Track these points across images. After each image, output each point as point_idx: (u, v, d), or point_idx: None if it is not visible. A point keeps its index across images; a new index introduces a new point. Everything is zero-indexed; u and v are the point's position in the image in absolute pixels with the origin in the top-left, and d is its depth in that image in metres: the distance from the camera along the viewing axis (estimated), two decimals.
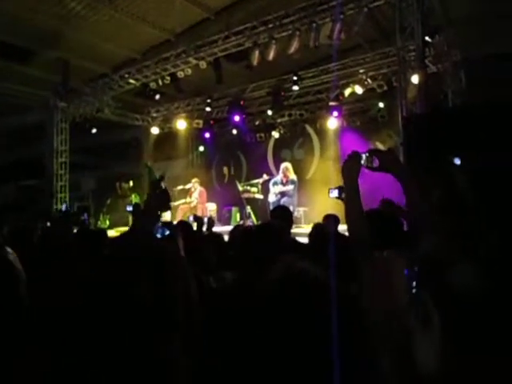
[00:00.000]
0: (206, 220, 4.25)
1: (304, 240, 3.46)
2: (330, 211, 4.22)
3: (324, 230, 2.71)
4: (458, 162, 2.14)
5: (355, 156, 1.43)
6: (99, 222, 10.18)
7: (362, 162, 1.42)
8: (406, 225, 1.90)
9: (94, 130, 10.50)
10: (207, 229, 3.98)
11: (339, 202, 2.07)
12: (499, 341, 0.77)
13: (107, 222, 10.03)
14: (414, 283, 0.78)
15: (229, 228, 8.11)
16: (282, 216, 2.77)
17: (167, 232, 1.86)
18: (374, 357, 0.72)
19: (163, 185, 2.09)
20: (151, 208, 1.93)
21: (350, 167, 1.41)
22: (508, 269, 1.02)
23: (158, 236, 1.82)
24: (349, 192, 1.40)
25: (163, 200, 1.99)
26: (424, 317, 0.75)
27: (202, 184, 10.21)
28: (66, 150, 10.31)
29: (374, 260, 1.11)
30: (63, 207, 9.60)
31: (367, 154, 1.43)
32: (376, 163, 1.40)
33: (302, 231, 6.33)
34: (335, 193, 2.10)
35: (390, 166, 1.37)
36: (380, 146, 9.07)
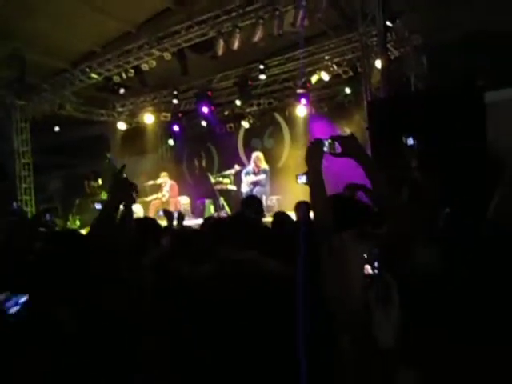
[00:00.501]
0: (175, 214, 4.20)
1: None
2: (303, 198, 4.26)
3: (283, 218, 2.74)
4: (410, 142, 2.21)
5: (318, 142, 1.44)
6: (68, 223, 9.89)
7: (325, 148, 1.44)
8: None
9: (56, 128, 10.13)
10: (178, 223, 3.93)
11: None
12: (454, 316, 0.80)
13: (77, 223, 9.76)
14: (375, 264, 0.81)
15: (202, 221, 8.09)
16: (252, 205, 2.78)
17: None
18: (334, 335, 0.75)
19: (125, 175, 1.94)
20: (114, 200, 1.87)
21: (313, 153, 1.43)
22: (459, 250, 1.07)
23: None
24: (313, 178, 1.42)
25: (126, 190, 1.91)
26: (384, 296, 0.77)
27: (173, 178, 10.09)
28: (28, 150, 9.91)
29: (334, 247, 1.13)
30: (14, 205, 9.05)
31: (330, 141, 1.45)
32: (338, 149, 1.42)
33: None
34: (303, 179, 2.11)
35: (352, 151, 1.39)
36: (348, 131, 9.22)
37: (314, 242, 1.42)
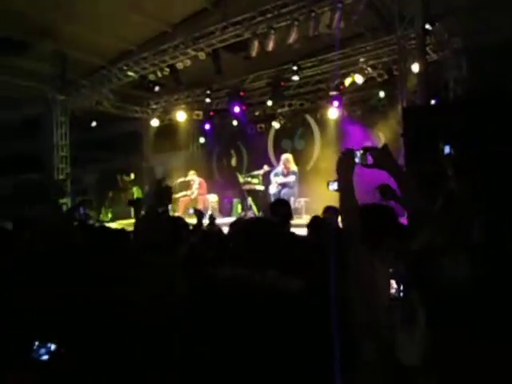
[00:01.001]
0: (207, 215, 4.27)
1: (304, 231, 3.49)
2: (331, 201, 4.19)
3: (322, 223, 2.73)
4: (447, 150, 2.14)
5: (349, 153, 1.43)
6: (101, 216, 10.23)
7: (357, 159, 1.43)
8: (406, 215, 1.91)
9: (93, 124, 10.47)
10: (209, 224, 3.98)
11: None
12: (484, 330, 0.79)
13: (109, 216, 10.07)
14: (401, 281, 0.80)
15: (230, 220, 8.15)
16: (280, 210, 2.78)
17: None
18: (356, 344, 0.74)
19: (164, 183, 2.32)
20: (157, 204, 2.19)
21: (345, 164, 1.42)
22: (493, 258, 1.03)
23: None
24: (343, 188, 1.41)
25: (167, 195, 2.27)
26: (409, 316, 0.76)
27: (202, 175, 10.23)
28: (66, 144, 10.30)
29: (362, 253, 1.12)
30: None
31: (361, 151, 1.43)
32: (370, 160, 1.40)
33: (302, 222, 6.36)
34: (334, 185, 2.10)
35: (384, 163, 1.37)
36: (382, 137, 9.05)
37: (342, 250, 1.41)
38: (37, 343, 1.44)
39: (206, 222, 4.73)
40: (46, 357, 1.41)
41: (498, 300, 0.82)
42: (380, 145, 8.88)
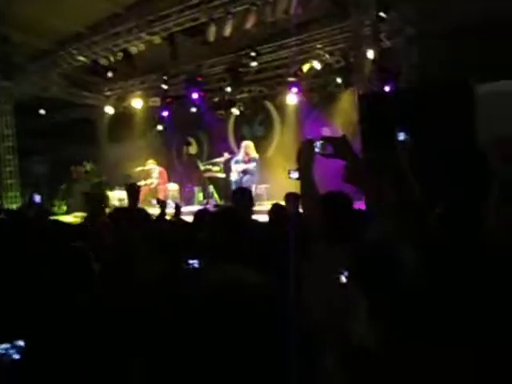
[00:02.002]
0: (173, 204, 4.20)
1: (265, 217, 3.52)
2: (292, 187, 4.25)
3: (282, 210, 2.76)
4: (401, 137, 2.20)
5: (309, 143, 1.44)
6: (55, 208, 9.77)
7: (317, 148, 1.44)
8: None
9: (41, 111, 9.89)
10: (175, 215, 3.91)
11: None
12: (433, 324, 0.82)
13: (64, 208, 9.64)
14: (347, 272, 0.82)
15: (191, 208, 8.05)
16: (243, 198, 2.78)
17: None
18: (317, 355, 0.75)
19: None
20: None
21: (305, 155, 1.43)
22: (448, 249, 1.08)
23: None
24: (303, 179, 1.43)
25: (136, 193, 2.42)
26: (354, 300, 0.78)
27: (161, 164, 10.00)
28: (13, 133, 9.67)
29: (314, 254, 1.14)
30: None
31: (321, 142, 1.44)
32: (330, 150, 1.42)
33: (264, 209, 6.40)
34: (295, 174, 2.12)
35: (342, 153, 1.39)
36: (338, 122, 9.22)
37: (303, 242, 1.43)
38: (3, 346, 1.39)
39: (170, 211, 4.65)
40: (17, 356, 1.38)
41: (449, 294, 0.86)
42: (338, 131, 9.06)
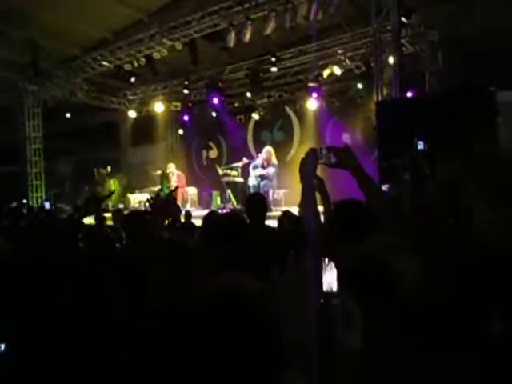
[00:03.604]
0: (183, 211, 4.23)
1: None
2: None
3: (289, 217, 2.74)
4: (421, 146, 2.16)
5: (312, 153, 1.43)
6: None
7: (320, 158, 1.42)
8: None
9: (67, 115, 10.20)
10: (185, 220, 3.94)
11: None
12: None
13: None
14: (339, 284, 0.80)
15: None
16: (255, 204, 2.78)
17: None
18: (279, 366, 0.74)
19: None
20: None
21: (307, 164, 1.42)
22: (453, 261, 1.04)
23: None
24: (305, 188, 1.42)
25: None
26: (348, 313, 0.76)
27: (181, 168, 10.12)
28: (40, 136, 10.01)
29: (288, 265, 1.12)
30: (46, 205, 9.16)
31: (325, 151, 1.43)
32: (333, 160, 1.40)
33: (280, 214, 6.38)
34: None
35: (346, 163, 1.37)
36: (358, 128, 9.11)
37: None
38: None
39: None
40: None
41: (446, 303, 0.83)
42: (358, 137, 8.94)
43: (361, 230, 1.69)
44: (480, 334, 0.84)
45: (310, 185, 1.40)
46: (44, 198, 9.89)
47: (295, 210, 4.79)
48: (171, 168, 9.65)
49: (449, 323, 0.85)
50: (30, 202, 9.72)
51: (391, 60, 6.20)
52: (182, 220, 4.38)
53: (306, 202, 1.38)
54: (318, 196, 1.80)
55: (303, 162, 1.43)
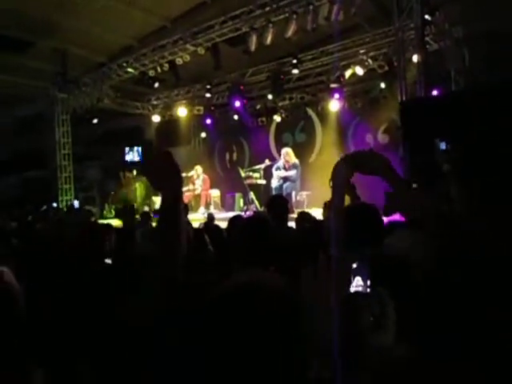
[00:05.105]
0: (206, 213, 4.27)
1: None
2: None
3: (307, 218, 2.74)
4: (443, 146, 2.13)
5: (346, 160, 1.33)
6: (104, 212, 10.30)
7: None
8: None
9: (95, 121, 10.51)
10: (207, 222, 3.99)
11: None
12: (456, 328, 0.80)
13: (112, 212, 10.13)
14: (368, 281, 0.80)
15: (232, 214, 8.16)
16: (276, 207, 2.81)
17: None
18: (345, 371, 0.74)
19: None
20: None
21: (341, 172, 1.32)
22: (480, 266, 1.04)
23: None
24: (335, 198, 1.33)
25: None
26: (380, 311, 0.77)
27: (205, 170, 10.24)
28: (69, 141, 10.36)
29: (320, 268, 1.11)
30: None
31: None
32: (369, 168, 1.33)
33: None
34: None
35: (383, 171, 1.30)
36: (381, 129, 8.98)
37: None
38: None
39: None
40: None
41: (469, 304, 0.83)
42: (382, 139, 8.79)
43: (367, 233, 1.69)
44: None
45: (341, 195, 1.31)
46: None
47: (318, 213, 4.78)
48: (198, 170, 9.75)
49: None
50: (60, 205, 10.06)
51: (415, 58, 6.10)
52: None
53: (335, 211, 1.31)
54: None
55: (335, 171, 1.31)
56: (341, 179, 1.29)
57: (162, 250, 1.05)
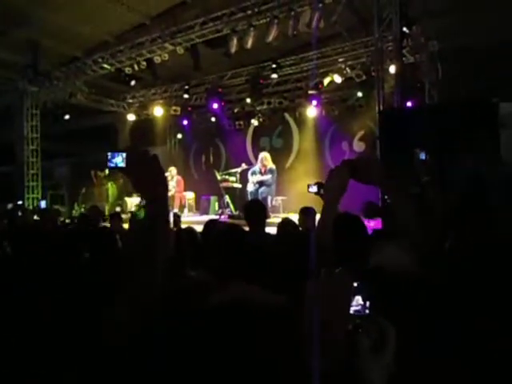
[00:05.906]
0: (171, 213, 4.15)
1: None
2: (308, 200, 4.19)
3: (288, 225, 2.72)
4: (422, 156, 2.15)
5: (343, 167, 1.27)
6: (73, 212, 9.95)
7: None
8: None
9: (66, 117, 10.16)
10: (174, 226, 3.89)
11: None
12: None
13: (82, 211, 9.79)
14: (367, 302, 0.75)
15: (207, 218, 8.06)
16: (254, 211, 2.76)
17: None
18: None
19: None
20: None
21: (337, 179, 1.26)
22: (467, 273, 1.02)
23: None
24: (327, 204, 1.28)
25: None
26: (378, 335, 0.72)
27: (179, 172, 10.08)
28: (37, 137, 9.95)
29: (320, 282, 1.06)
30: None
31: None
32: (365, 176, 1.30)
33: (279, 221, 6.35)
34: (314, 188, 2.08)
35: (377, 180, 1.27)
36: (357, 138, 9.13)
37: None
38: None
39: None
40: None
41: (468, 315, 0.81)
42: (359, 146, 8.94)
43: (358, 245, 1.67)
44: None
45: (334, 202, 1.25)
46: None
47: (293, 218, 4.76)
48: (172, 172, 9.60)
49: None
50: (26, 204, 9.64)
51: (392, 69, 6.23)
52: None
53: (324, 220, 1.25)
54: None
55: (332, 176, 1.27)
56: (337, 185, 1.25)
57: (143, 255, 0.99)
